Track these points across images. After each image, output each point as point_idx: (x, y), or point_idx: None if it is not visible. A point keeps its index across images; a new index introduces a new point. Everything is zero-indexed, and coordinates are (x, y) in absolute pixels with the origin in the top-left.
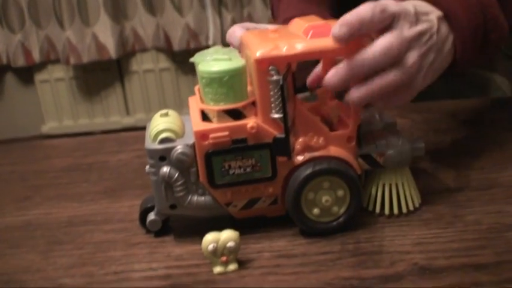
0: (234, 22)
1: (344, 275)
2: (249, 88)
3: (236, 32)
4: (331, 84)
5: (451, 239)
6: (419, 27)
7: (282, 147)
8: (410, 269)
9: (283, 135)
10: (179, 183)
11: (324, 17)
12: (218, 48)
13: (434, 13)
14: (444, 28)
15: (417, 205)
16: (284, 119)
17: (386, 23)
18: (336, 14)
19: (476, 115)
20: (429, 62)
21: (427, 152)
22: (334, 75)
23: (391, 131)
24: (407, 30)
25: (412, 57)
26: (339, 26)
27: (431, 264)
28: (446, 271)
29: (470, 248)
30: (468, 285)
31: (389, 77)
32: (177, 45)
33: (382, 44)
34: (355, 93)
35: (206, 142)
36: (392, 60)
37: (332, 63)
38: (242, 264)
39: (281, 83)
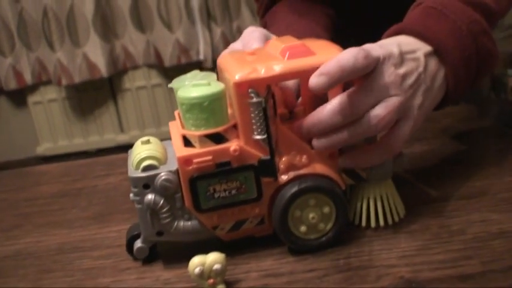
0: (223, 36)
1: None
2: (229, 111)
3: (254, 33)
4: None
5: (436, 251)
6: (403, 69)
7: (268, 168)
8: (396, 283)
9: (268, 157)
10: (164, 209)
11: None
12: (196, 72)
13: (422, 49)
14: (433, 64)
15: (402, 216)
16: (269, 140)
17: (371, 68)
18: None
19: (461, 122)
20: (417, 104)
21: (413, 161)
22: (297, 127)
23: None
24: (388, 76)
25: (376, 112)
26: (318, 76)
27: (417, 277)
28: (431, 284)
29: (455, 259)
30: None
31: (349, 134)
32: (168, 61)
33: (336, 102)
34: (316, 143)
35: (190, 167)
36: (351, 118)
37: None
38: (230, 285)
39: (263, 105)
